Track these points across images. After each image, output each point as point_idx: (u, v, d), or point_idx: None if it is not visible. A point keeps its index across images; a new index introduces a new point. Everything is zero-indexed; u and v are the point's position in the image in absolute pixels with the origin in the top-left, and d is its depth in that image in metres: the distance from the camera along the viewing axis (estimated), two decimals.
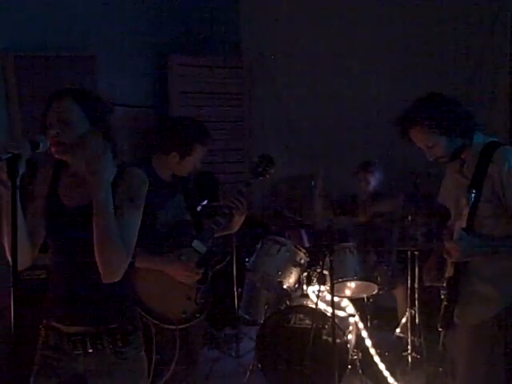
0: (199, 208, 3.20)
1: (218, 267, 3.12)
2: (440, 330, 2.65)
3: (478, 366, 2.53)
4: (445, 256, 2.55)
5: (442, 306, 2.57)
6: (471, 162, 2.54)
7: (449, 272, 2.56)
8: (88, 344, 2.07)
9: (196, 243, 2.92)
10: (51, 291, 2.15)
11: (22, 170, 1.83)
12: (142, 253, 2.40)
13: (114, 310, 2.11)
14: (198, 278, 2.93)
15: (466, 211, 2.40)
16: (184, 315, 2.92)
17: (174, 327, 2.85)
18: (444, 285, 2.58)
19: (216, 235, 3.05)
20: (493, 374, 2.51)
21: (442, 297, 2.59)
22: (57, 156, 2.04)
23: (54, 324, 2.12)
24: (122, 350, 2.09)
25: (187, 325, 2.93)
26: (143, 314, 2.77)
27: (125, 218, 2.03)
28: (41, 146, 1.91)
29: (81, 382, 2.11)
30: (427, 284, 2.80)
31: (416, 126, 2.56)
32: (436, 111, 2.51)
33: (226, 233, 3.18)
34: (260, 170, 3.10)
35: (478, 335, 2.52)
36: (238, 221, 3.11)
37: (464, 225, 2.42)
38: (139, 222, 2.09)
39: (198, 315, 2.97)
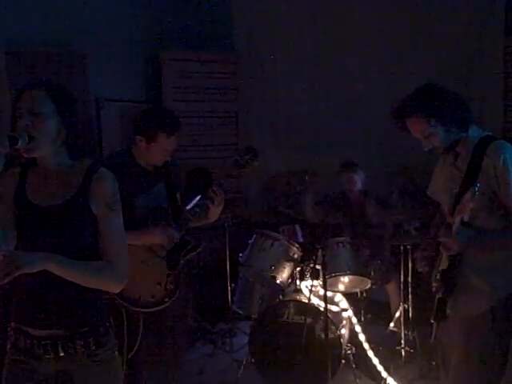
0: (192, 203, 3.20)
1: (189, 256, 3.16)
2: (433, 322, 2.65)
3: (472, 359, 2.52)
4: (442, 250, 2.54)
5: (436, 298, 2.56)
6: (466, 155, 2.53)
7: (443, 265, 2.55)
8: (59, 348, 2.01)
9: (170, 231, 3.01)
10: (19, 294, 2.06)
11: (0, 166, 1.81)
12: None
13: (85, 312, 2.05)
14: (175, 241, 3.02)
15: (471, 204, 2.34)
16: (152, 299, 2.98)
17: (138, 309, 2.93)
18: (437, 277, 2.57)
19: (193, 225, 3.15)
20: (486, 367, 2.50)
21: (434, 289, 2.58)
22: (25, 155, 1.95)
23: (24, 327, 2.04)
24: (95, 353, 2.04)
25: (155, 309, 2.99)
26: (114, 295, 2.81)
27: (108, 225, 2.04)
28: (19, 141, 1.87)
29: (65, 378, 2.05)
30: (420, 270, 2.75)
31: (413, 115, 2.55)
32: (433, 101, 2.50)
33: (202, 223, 3.23)
34: (242, 161, 3.12)
35: (472, 328, 2.52)
36: (215, 211, 3.15)
37: (466, 218, 2.37)
38: (122, 225, 2.10)
39: (166, 300, 3.02)
